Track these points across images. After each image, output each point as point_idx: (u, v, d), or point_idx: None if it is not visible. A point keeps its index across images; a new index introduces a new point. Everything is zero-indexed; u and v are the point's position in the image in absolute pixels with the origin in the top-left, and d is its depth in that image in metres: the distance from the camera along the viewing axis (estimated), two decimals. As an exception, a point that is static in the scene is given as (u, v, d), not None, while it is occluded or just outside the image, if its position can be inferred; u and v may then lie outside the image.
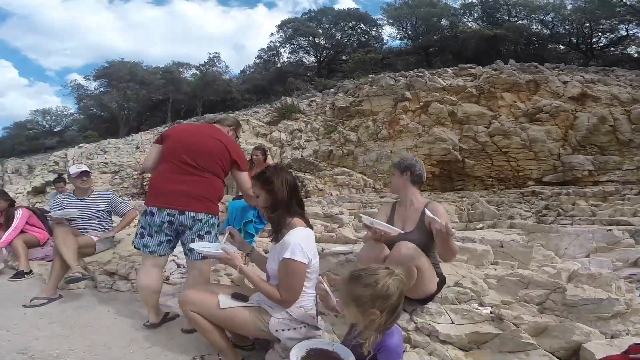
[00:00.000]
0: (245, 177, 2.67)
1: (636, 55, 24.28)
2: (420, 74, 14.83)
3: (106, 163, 15.87)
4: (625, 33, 24.27)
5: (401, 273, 1.62)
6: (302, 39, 34.37)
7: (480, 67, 15.16)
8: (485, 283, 2.61)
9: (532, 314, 2.13)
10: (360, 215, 2.50)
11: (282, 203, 2.02)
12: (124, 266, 3.63)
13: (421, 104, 13.37)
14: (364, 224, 2.20)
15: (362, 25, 32.73)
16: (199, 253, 2.41)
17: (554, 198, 9.85)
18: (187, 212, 2.45)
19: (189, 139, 2.57)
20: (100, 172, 15.13)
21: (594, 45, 25.52)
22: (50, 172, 15.99)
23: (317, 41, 34.04)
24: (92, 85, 38.07)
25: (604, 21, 23.93)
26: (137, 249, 2.62)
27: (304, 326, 1.96)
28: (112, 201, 3.98)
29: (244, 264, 2.06)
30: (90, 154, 18.81)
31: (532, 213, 9.38)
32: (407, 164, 2.46)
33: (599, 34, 25.31)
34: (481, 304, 2.37)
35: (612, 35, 25.16)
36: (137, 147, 19.06)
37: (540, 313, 2.17)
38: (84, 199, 3.86)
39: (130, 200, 11.91)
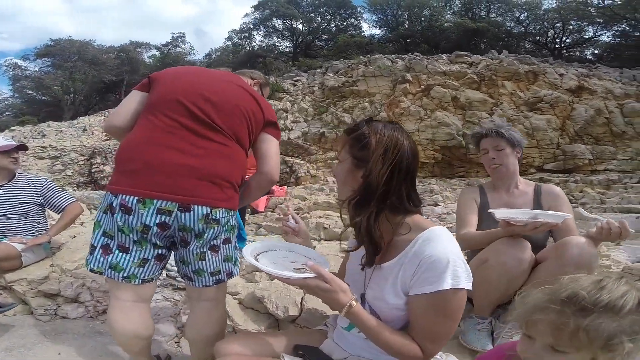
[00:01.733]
0: (276, 148, 1.60)
1: (590, 57, 25.70)
2: (418, 57, 14.44)
3: (44, 147, 13.09)
4: (592, 35, 25.63)
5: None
6: (279, 21, 32.98)
7: (478, 55, 15.04)
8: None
9: None
10: (490, 211, 1.66)
11: (379, 190, 1.01)
12: (71, 285, 2.36)
13: (422, 87, 12.99)
14: (502, 221, 1.52)
15: (342, 12, 31.95)
16: (212, 274, 1.45)
17: (562, 185, 9.86)
18: (195, 207, 1.34)
19: (198, 83, 1.46)
20: (36, 157, 12.67)
21: (561, 45, 26.76)
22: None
23: (294, 25, 32.82)
24: (32, 65, 33.73)
25: (573, 22, 25.09)
26: (97, 272, 1.41)
27: None
28: (45, 188, 2.66)
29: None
30: (24, 138, 15.65)
31: (543, 200, 9.31)
32: (519, 139, 1.86)
33: (567, 34, 26.57)
34: None
35: (578, 36, 26.49)
36: (85, 130, 16.62)
37: None
38: (1, 186, 2.55)
39: (74, 191, 10.04)
